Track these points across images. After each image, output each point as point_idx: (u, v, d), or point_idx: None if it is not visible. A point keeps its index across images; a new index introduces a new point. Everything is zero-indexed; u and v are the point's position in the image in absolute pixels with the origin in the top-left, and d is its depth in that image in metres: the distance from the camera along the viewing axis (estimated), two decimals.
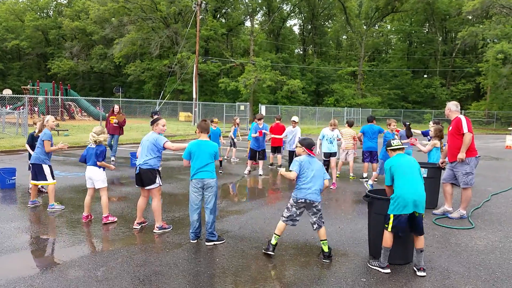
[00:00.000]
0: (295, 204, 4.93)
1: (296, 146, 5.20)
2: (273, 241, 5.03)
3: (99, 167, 6.27)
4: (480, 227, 6.45)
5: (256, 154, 10.99)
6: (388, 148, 4.97)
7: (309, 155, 5.00)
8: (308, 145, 5.02)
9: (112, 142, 12.51)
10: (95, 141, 6.25)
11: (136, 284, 4.14)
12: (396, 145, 4.86)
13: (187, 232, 5.71)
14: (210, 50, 51.78)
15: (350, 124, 10.81)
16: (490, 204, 8.06)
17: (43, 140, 6.99)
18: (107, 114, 13.49)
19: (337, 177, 10.13)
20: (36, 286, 4.05)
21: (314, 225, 4.93)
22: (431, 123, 9.64)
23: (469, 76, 49.15)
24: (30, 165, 7.18)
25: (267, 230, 6.01)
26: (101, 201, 6.30)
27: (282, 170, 5.13)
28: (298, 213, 4.95)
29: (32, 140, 8.02)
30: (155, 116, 6.33)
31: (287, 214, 4.97)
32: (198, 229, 5.47)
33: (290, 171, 4.97)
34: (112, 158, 12.29)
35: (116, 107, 12.83)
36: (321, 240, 4.92)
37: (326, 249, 4.90)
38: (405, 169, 4.67)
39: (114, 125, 12.55)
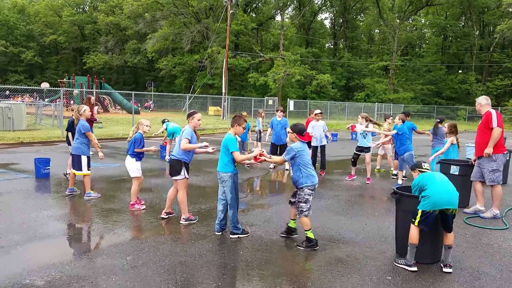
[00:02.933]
0: (312, 192, 5.09)
1: (288, 132, 5.29)
2: (310, 235, 5.11)
3: (132, 156, 6.51)
4: None
5: (277, 149, 10.68)
6: (418, 170, 4.85)
7: (302, 141, 5.10)
8: (299, 131, 5.10)
9: None
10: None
11: (161, 273, 4.21)
12: (426, 168, 4.81)
13: (212, 224, 5.76)
14: (240, 45, 51.93)
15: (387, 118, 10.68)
16: None
17: (83, 133, 7.20)
18: (87, 105, 12.26)
19: (379, 171, 10.67)
20: (65, 273, 4.20)
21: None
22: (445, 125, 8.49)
23: (507, 71, 47.10)
24: (71, 155, 7.46)
25: None
26: (131, 188, 6.63)
27: (265, 154, 5.30)
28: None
29: (71, 126, 8.50)
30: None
31: (308, 206, 5.08)
32: (223, 221, 5.51)
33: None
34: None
35: (93, 99, 12.09)
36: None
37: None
38: (434, 176, 4.61)
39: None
